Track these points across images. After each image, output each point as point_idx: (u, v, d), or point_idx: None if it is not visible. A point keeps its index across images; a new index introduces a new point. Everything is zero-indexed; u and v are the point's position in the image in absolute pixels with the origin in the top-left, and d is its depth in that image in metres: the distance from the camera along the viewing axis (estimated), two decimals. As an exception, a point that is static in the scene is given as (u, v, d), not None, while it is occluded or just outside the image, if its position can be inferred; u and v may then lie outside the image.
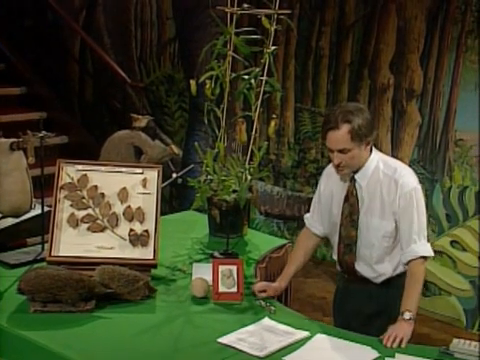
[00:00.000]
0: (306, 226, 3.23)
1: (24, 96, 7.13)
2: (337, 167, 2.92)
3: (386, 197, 2.92)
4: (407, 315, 2.78)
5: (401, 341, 2.71)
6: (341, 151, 2.87)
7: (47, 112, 6.93)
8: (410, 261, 2.91)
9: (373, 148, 2.97)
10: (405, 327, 2.76)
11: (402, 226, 2.92)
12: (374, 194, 2.94)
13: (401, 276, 3.02)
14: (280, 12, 3.67)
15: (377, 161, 2.96)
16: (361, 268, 3.04)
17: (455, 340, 2.69)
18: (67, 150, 6.72)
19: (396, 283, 3.03)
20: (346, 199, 3.00)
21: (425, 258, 2.91)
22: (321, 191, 3.14)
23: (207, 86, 3.74)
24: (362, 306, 3.07)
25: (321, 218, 3.15)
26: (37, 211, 3.73)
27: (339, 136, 2.84)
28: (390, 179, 2.92)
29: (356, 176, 2.97)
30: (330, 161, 3.00)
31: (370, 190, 2.95)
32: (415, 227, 2.90)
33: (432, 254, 2.93)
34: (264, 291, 3.07)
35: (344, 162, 2.89)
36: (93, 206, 3.22)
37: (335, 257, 3.14)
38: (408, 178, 2.93)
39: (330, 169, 3.09)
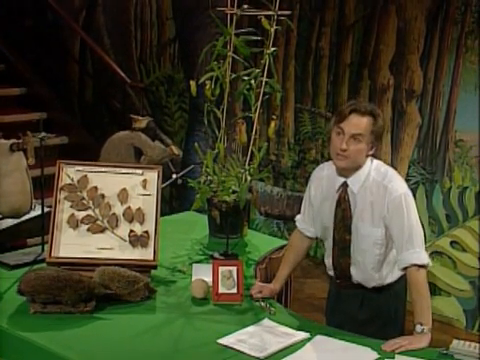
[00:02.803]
0: (298, 228, 3.21)
1: (24, 96, 7.13)
2: (340, 152, 2.84)
3: (376, 203, 2.88)
4: (418, 328, 2.75)
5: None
6: (354, 137, 2.82)
7: (47, 112, 6.94)
8: (406, 269, 2.86)
9: (370, 157, 2.94)
10: (413, 339, 2.73)
11: (393, 233, 2.88)
12: (365, 200, 2.91)
13: (394, 282, 3.01)
14: (280, 13, 3.67)
15: (370, 167, 2.92)
16: (355, 272, 3.01)
17: (455, 341, 2.69)
18: (67, 151, 6.72)
19: (389, 288, 3.01)
20: (338, 204, 2.97)
21: (421, 266, 2.82)
22: (311, 195, 3.09)
23: (207, 87, 3.75)
24: (354, 312, 3.05)
25: (312, 221, 3.13)
26: (37, 212, 3.73)
27: (362, 122, 2.82)
28: (379, 184, 2.88)
29: (348, 181, 2.93)
30: (327, 160, 2.98)
31: (361, 196, 2.91)
32: (406, 234, 2.84)
33: (425, 262, 2.83)
34: (260, 292, 3.08)
35: (349, 150, 2.83)
36: (93, 207, 3.22)
37: (327, 261, 3.11)
38: (397, 183, 2.89)
39: (320, 173, 3.07)
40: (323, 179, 3.04)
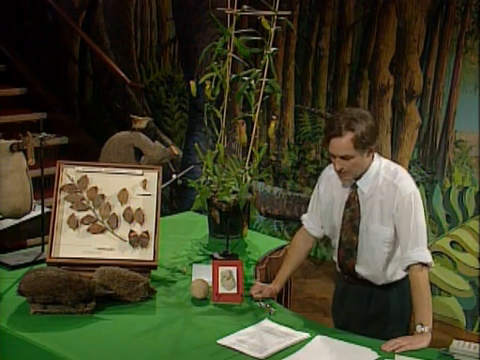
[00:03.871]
0: (304, 227, 3.21)
1: (24, 97, 7.14)
2: (339, 173, 2.91)
3: (385, 202, 2.91)
4: (419, 328, 2.76)
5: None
6: (343, 157, 2.85)
7: (47, 113, 6.95)
8: (409, 267, 2.87)
9: (375, 154, 2.95)
10: (414, 339, 2.74)
11: (400, 231, 2.90)
12: (375, 199, 2.93)
13: (401, 279, 3.02)
14: (280, 13, 3.67)
15: (378, 167, 2.94)
16: (362, 270, 3.03)
17: (455, 341, 2.69)
18: (67, 151, 6.73)
19: (396, 285, 3.03)
20: (347, 205, 2.99)
21: (424, 265, 2.84)
22: (321, 194, 3.12)
23: (207, 87, 3.75)
24: (361, 307, 3.07)
25: (321, 220, 3.14)
26: (37, 212, 3.73)
27: (342, 143, 2.82)
28: (390, 184, 2.91)
29: (358, 182, 2.95)
30: (330, 161, 2.99)
31: (371, 196, 2.94)
32: (412, 233, 2.87)
33: (429, 261, 2.85)
34: (260, 292, 3.08)
35: (346, 168, 2.88)
36: (93, 207, 3.22)
37: (335, 258, 3.13)
38: (407, 182, 2.92)
39: (330, 172, 3.07)
40: (333, 177, 3.04)
